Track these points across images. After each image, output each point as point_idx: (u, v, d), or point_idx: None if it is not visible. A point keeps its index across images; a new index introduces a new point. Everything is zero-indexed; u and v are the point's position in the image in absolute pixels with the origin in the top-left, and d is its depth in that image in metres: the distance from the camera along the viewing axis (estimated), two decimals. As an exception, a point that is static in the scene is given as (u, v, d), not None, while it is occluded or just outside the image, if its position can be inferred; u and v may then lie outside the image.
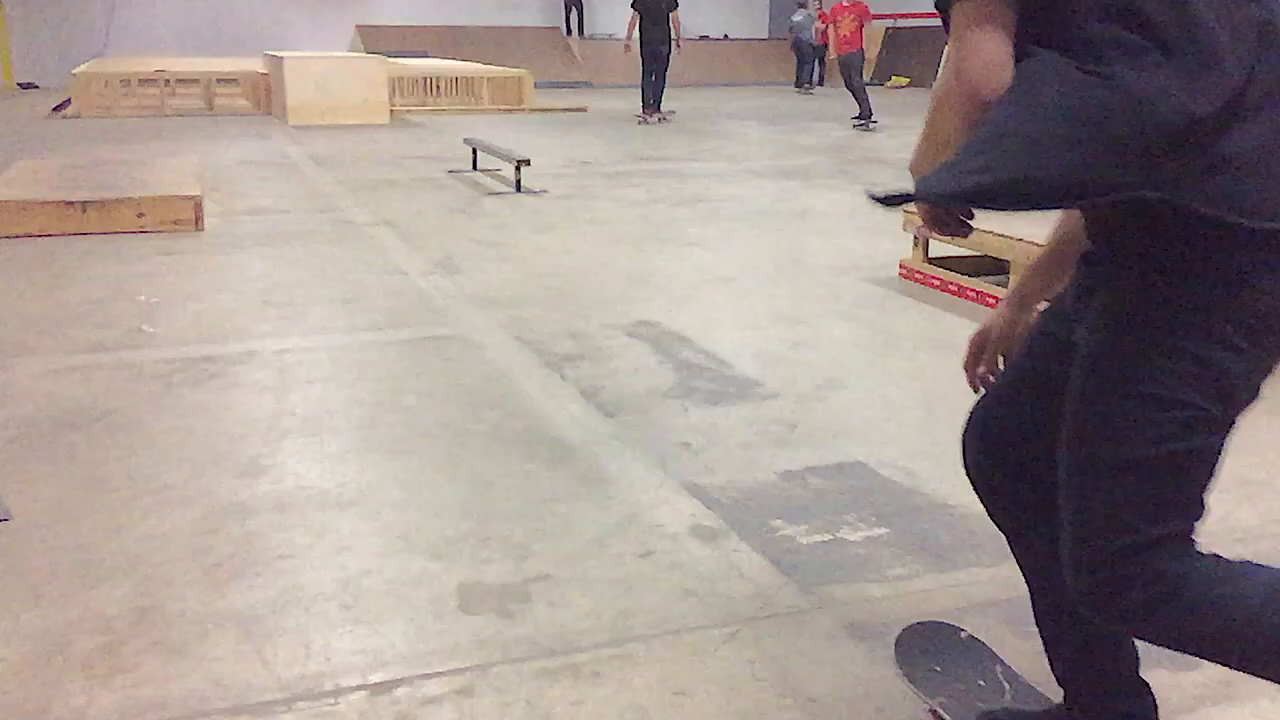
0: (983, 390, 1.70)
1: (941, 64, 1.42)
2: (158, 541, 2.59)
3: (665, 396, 3.68)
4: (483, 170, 9.03)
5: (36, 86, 19.30)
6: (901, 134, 12.52)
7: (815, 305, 4.89)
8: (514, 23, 22.99)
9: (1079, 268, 1.49)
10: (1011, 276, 4.83)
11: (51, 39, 20.18)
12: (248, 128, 12.60)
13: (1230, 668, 1.39)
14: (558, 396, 3.66)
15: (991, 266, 5.32)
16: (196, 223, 6.44)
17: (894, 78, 21.60)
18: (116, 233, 6.33)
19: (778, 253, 6.02)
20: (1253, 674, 1.39)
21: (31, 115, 13.82)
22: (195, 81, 14.95)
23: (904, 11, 20.64)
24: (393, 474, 3.01)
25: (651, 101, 13.81)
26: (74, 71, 14.58)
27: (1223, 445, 1.34)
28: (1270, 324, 1.28)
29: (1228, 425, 1.33)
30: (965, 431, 1.66)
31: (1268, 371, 1.33)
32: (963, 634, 2.02)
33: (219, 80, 15.02)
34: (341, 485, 2.93)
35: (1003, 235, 4.87)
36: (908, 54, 21.52)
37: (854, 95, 13.28)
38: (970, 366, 1.73)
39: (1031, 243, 4.74)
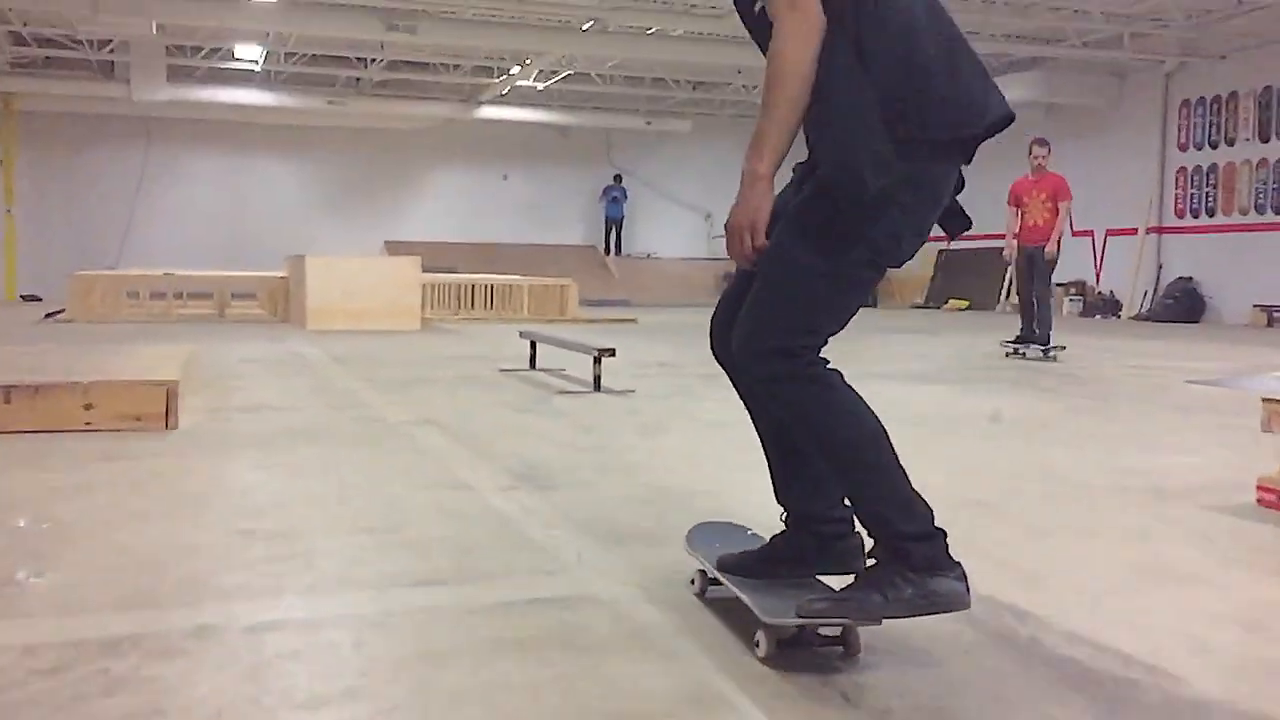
0: None
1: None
2: None
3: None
4: (543, 370, 7.25)
5: (39, 299, 18.04)
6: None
7: (1187, 551, 2.87)
8: (551, 240, 22.07)
9: (800, 171, 2.10)
10: None
11: (61, 253, 19.08)
12: (260, 331, 10.99)
13: (825, 455, 2.02)
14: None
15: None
16: (166, 419, 4.56)
17: (951, 300, 20.30)
18: (55, 431, 4.44)
19: (1017, 468, 4.07)
20: (832, 463, 2.01)
21: (19, 320, 12.29)
22: (209, 296, 13.44)
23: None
24: None
25: None
26: (71, 274, 13.18)
27: (876, 283, 2.06)
28: (934, 197, 1.98)
29: (885, 270, 2.02)
30: (711, 320, 2.25)
31: (923, 233, 2.00)
32: (749, 531, 2.49)
33: (234, 295, 13.55)
34: None
35: None
36: (962, 277, 20.29)
37: (1034, 306, 8.91)
38: None
39: None
